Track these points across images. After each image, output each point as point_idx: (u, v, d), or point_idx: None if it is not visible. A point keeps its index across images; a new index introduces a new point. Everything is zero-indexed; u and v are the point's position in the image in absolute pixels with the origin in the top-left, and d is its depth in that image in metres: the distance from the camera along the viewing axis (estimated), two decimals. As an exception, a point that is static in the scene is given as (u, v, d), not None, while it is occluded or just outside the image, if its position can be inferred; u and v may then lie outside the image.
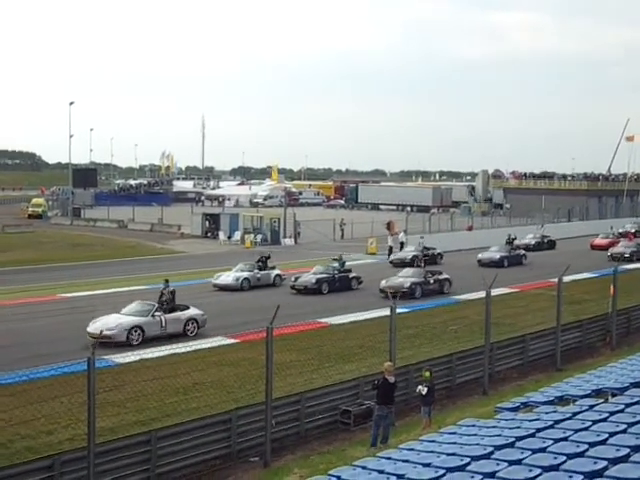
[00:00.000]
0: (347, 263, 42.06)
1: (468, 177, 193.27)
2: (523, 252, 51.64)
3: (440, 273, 39.15)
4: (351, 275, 39.73)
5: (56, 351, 24.57)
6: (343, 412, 18.97)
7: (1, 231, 69.61)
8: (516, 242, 55.50)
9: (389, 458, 12.00)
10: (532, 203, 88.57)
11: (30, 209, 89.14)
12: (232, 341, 26.27)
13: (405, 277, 37.88)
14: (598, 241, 58.93)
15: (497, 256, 48.77)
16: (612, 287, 27.72)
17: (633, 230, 67.21)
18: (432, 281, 37.78)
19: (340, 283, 38.73)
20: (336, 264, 40.21)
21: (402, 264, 45.47)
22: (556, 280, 25.56)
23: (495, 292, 24.06)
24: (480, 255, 49.44)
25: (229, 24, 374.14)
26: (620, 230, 66.90)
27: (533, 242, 59.32)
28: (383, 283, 36.61)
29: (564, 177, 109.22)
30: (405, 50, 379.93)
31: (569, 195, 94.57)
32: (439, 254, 50.46)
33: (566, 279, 26.37)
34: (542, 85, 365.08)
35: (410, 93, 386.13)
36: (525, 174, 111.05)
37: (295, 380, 21.17)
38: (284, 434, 17.97)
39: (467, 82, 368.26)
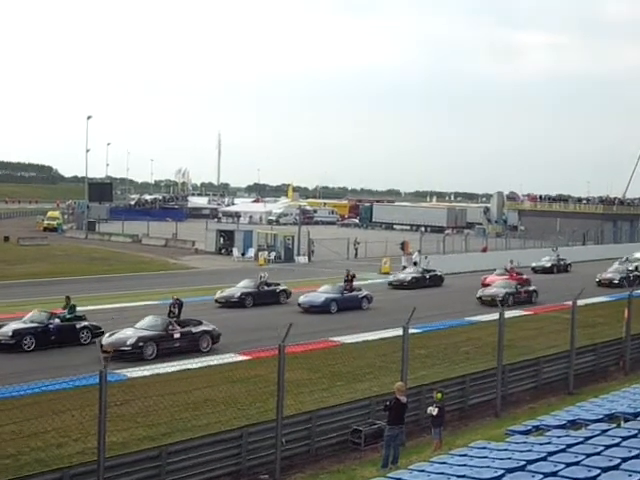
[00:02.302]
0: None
1: (483, 198, 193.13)
2: (365, 293, 39.89)
3: (198, 324, 28.92)
4: (80, 325, 28.74)
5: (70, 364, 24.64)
6: (354, 431, 18.91)
7: (16, 243, 69.85)
8: (390, 278, 49.52)
9: (399, 479, 11.94)
10: (547, 226, 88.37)
11: (45, 222, 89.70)
12: (244, 358, 26.23)
13: (138, 329, 27.65)
14: (491, 278, 47.18)
15: (321, 298, 38.13)
16: (627, 311, 27.60)
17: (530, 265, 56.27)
18: (177, 336, 27.76)
19: (58, 336, 27.95)
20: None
21: (228, 303, 38.60)
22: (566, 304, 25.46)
23: (508, 314, 23.96)
24: (302, 298, 38.59)
25: (246, 41, 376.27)
26: (534, 264, 59.28)
27: (409, 278, 48.46)
28: (105, 338, 27.02)
29: (579, 200, 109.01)
30: (421, 68, 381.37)
31: (584, 218, 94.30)
32: (283, 290, 40.52)
33: (580, 302, 26.23)
34: (558, 106, 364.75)
35: (426, 113, 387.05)
36: (540, 196, 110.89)
37: (306, 398, 21.09)
38: (294, 452, 17.93)
39: (483, 101, 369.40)
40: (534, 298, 42.34)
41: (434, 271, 50.56)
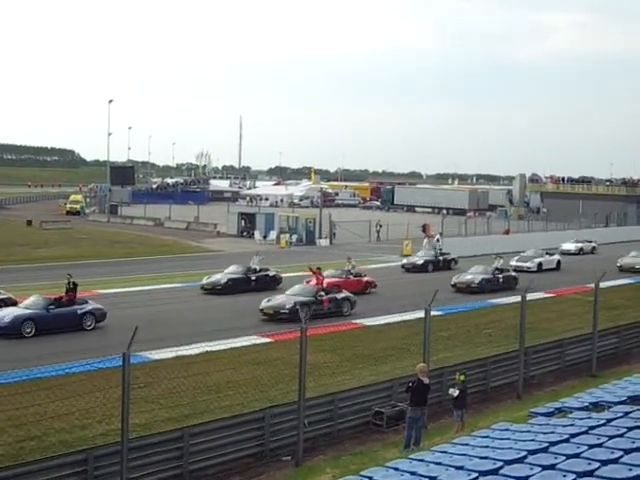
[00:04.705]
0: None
1: (505, 181, 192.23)
2: (90, 307, 28.43)
3: None
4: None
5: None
6: (376, 413, 18.93)
7: (39, 227, 70.31)
8: (203, 281, 37.27)
9: (421, 460, 11.96)
10: (569, 208, 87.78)
11: (68, 206, 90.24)
12: (266, 340, 26.28)
13: None
14: (328, 282, 34.91)
15: (9, 318, 26.71)
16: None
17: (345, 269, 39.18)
18: None
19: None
20: None
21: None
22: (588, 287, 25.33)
23: (530, 297, 23.85)
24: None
25: (267, 23, 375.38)
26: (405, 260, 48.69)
27: (224, 280, 37.10)
28: None
29: (602, 182, 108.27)
30: (443, 50, 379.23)
31: (607, 200, 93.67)
32: (2, 300, 29.20)
33: (603, 285, 26.06)
34: (582, 88, 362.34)
35: (448, 94, 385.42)
36: (563, 179, 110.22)
37: (328, 381, 21.11)
38: (316, 434, 17.96)
39: (506, 84, 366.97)
40: (346, 309, 31.92)
41: (266, 270, 38.97)
